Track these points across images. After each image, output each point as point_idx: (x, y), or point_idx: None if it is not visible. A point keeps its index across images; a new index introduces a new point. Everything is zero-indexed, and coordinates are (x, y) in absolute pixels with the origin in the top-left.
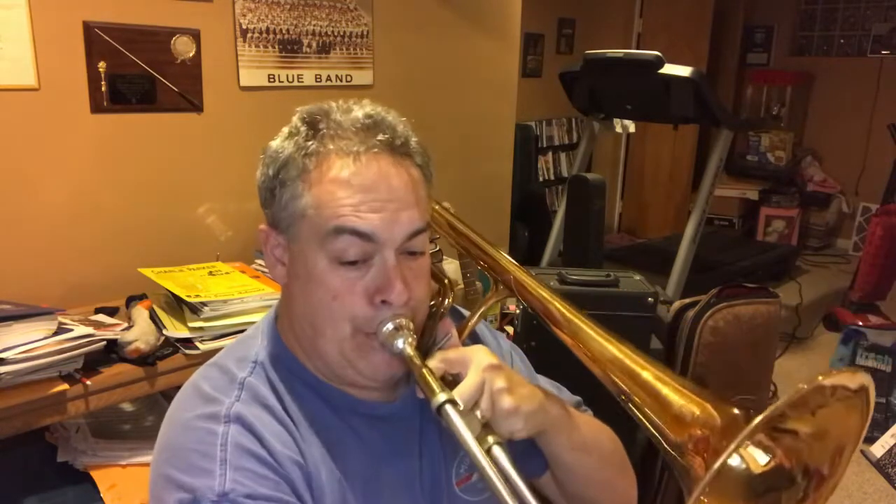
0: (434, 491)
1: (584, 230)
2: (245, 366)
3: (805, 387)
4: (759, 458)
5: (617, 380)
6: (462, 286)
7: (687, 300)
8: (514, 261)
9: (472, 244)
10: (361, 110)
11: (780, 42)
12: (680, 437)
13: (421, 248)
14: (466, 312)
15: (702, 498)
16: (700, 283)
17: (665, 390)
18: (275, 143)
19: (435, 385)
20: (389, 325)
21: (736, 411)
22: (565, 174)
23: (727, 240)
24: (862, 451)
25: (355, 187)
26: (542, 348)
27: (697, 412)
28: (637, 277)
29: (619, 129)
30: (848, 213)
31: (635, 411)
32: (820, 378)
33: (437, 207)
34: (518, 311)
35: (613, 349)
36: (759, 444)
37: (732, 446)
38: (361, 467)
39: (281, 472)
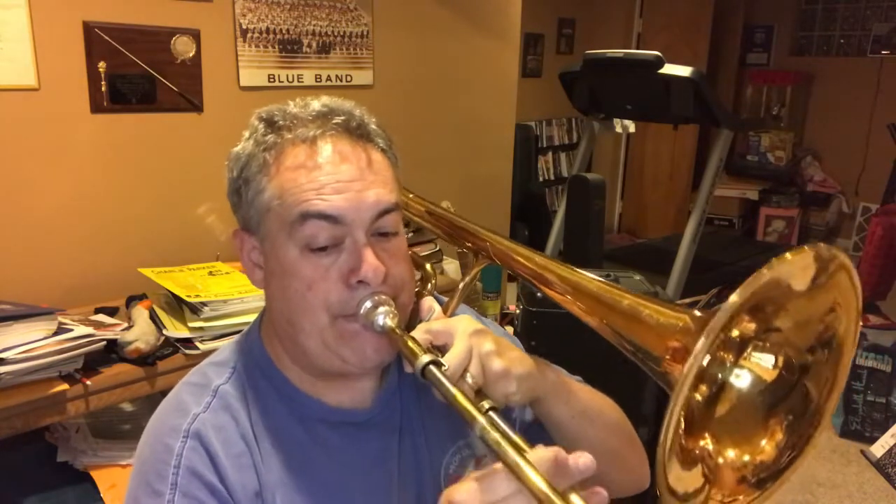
0: (420, 494)
1: (584, 230)
2: (223, 371)
3: (766, 271)
4: (763, 363)
5: (608, 319)
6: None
7: (687, 300)
8: (488, 228)
9: (451, 224)
10: (318, 102)
11: (780, 42)
12: (660, 351)
13: (393, 228)
14: (446, 300)
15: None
16: (700, 283)
17: (646, 312)
18: (236, 148)
19: (416, 349)
20: (368, 303)
21: (698, 314)
22: (565, 174)
23: (727, 240)
24: (862, 451)
25: (314, 170)
26: (543, 348)
27: (678, 324)
28: (637, 277)
29: (619, 129)
30: (848, 213)
31: (618, 338)
32: (788, 255)
33: (410, 196)
34: (518, 311)
35: (593, 286)
36: (756, 349)
37: (703, 337)
38: (327, 481)
39: (228, 503)
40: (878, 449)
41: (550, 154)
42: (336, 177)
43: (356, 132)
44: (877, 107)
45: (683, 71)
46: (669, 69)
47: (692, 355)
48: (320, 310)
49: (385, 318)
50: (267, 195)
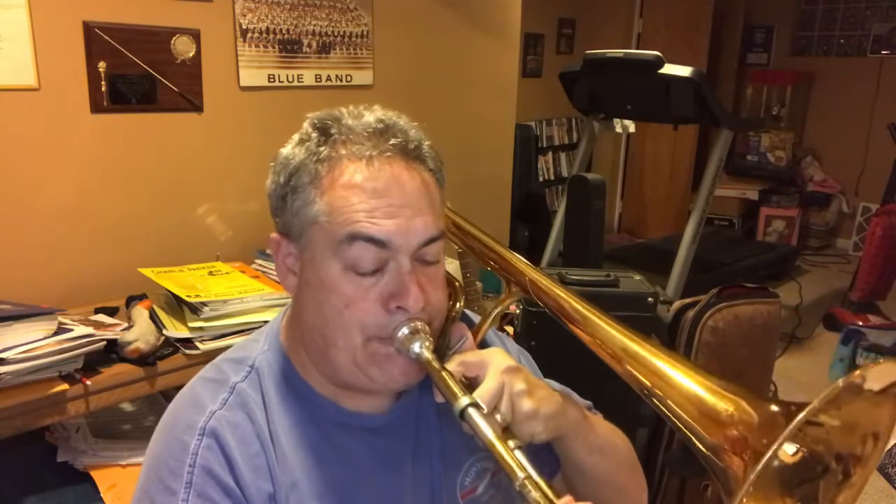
0: (434, 503)
1: (584, 230)
2: (241, 369)
3: (840, 384)
4: (789, 450)
5: (640, 376)
6: (462, 286)
7: (687, 300)
8: (525, 261)
9: (484, 246)
10: (373, 115)
11: (780, 42)
12: (715, 437)
13: (435, 257)
14: (476, 317)
15: (744, 500)
16: (700, 283)
17: (694, 387)
18: (285, 150)
19: (457, 389)
20: (405, 329)
21: (774, 408)
22: (565, 174)
23: (727, 240)
24: None
25: (368, 192)
26: (542, 348)
27: (732, 410)
28: (637, 277)
29: (619, 129)
30: (848, 213)
31: (661, 408)
32: (863, 371)
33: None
34: (518, 312)
35: (636, 346)
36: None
37: (775, 446)
38: (342, 484)
39: (242, 503)
40: None
41: (550, 154)
42: (388, 201)
43: (412, 154)
44: (877, 107)
45: (683, 71)
46: (669, 69)
47: (761, 463)
48: (355, 329)
49: (421, 347)
50: (315, 209)
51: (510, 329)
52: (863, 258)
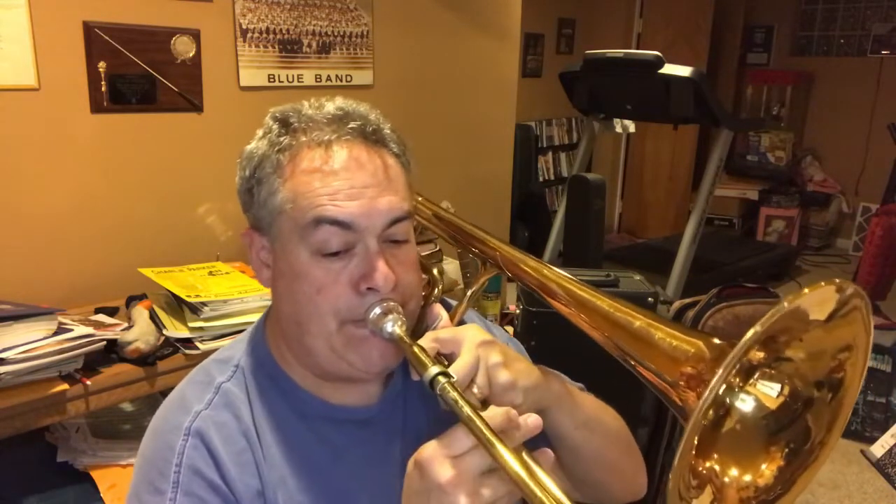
0: None
1: (584, 230)
2: (226, 369)
3: (786, 304)
4: (769, 392)
5: (617, 339)
6: (462, 286)
7: (687, 300)
8: (499, 237)
9: (458, 230)
10: (333, 104)
11: (780, 42)
12: (673, 376)
13: (404, 235)
14: (455, 303)
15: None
16: (700, 283)
17: (658, 335)
18: (250, 146)
19: (426, 360)
20: (377, 310)
21: (717, 341)
22: (565, 174)
23: (727, 240)
24: (862, 451)
25: (329, 175)
26: (543, 348)
27: (691, 350)
28: (637, 277)
29: (619, 129)
30: (848, 213)
31: (636, 366)
32: (806, 290)
33: (419, 199)
34: (518, 311)
35: (605, 305)
36: (764, 377)
37: (721, 370)
38: (329, 479)
39: (230, 500)
40: (878, 449)
41: (550, 154)
42: (350, 183)
43: (371, 137)
44: (877, 107)
45: (683, 71)
46: (669, 69)
47: (709, 388)
48: (328, 314)
49: (394, 325)
50: (280, 197)
51: (510, 329)
52: (863, 258)
